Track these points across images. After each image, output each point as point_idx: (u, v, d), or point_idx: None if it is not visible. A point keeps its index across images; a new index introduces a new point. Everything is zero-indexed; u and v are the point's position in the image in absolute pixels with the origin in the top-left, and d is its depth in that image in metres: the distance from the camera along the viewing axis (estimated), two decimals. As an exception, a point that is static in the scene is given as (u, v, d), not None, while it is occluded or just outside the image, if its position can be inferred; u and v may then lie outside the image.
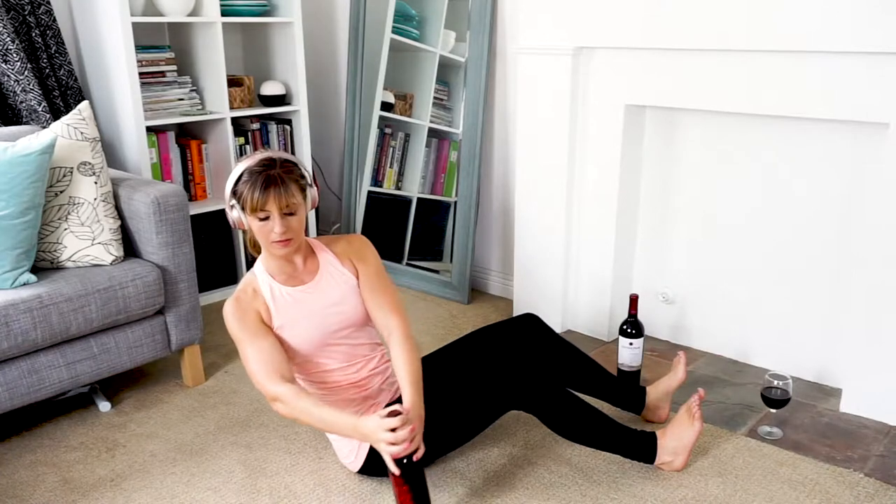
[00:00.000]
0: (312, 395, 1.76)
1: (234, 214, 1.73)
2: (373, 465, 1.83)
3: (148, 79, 2.85)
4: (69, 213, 2.18)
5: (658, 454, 1.87)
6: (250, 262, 1.87)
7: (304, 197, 1.71)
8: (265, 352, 1.72)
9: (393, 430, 1.54)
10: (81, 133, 2.20)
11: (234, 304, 1.77)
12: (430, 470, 1.91)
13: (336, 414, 1.65)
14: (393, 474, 1.58)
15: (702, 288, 2.58)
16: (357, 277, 1.86)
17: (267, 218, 1.67)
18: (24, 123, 2.70)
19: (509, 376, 1.78)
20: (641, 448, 1.86)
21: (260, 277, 1.80)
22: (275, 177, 1.64)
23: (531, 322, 2.05)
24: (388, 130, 3.34)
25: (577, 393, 1.95)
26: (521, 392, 1.77)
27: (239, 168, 1.69)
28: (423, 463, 1.69)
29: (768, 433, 2.08)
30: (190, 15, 2.87)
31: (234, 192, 1.69)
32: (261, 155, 1.70)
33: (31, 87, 2.64)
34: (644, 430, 1.89)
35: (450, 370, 2.00)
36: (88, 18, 2.81)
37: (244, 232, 1.81)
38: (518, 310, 2.88)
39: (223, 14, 2.94)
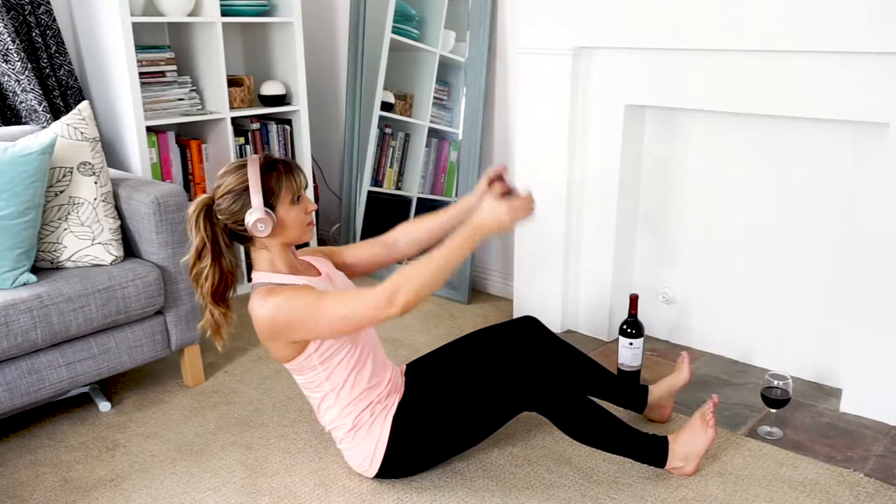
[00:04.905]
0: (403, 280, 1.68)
1: (271, 218, 1.68)
2: (389, 468, 1.84)
3: (148, 79, 2.85)
4: (69, 213, 2.18)
5: (669, 459, 1.86)
6: (249, 264, 1.85)
7: None
8: (341, 291, 1.76)
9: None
10: (81, 133, 2.20)
11: (271, 295, 1.68)
12: (433, 471, 1.91)
13: (444, 247, 1.70)
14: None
15: (702, 288, 2.58)
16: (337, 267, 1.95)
17: (299, 198, 1.74)
18: (24, 123, 2.70)
19: (525, 379, 1.78)
20: (653, 452, 1.86)
21: (277, 278, 1.75)
22: (287, 160, 1.75)
23: (531, 324, 2.06)
24: (388, 130, 3.34)
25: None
26: (539, 395, 1.77)
27: (252, 179, 1.66)
28: (433, 464, 1.89)
29: (768, 433, 2.08)
30: (190, 15, 2.87)
31: (269, 191, 1.68)
32: (252, 159, 1.70)
33: (31, 86, 2.64)
34: (656, 434, 1.89)
35: (457, 372, 2.00)
36: (88, 18, 2.80)
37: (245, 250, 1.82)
38: (518, 309, 2.88)
39: (223, 14, 2.94)
